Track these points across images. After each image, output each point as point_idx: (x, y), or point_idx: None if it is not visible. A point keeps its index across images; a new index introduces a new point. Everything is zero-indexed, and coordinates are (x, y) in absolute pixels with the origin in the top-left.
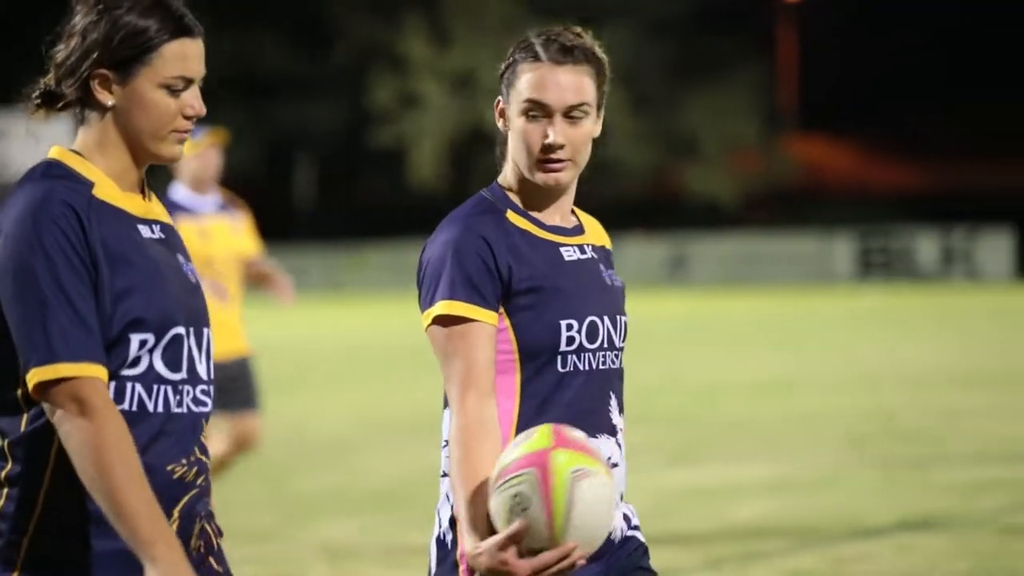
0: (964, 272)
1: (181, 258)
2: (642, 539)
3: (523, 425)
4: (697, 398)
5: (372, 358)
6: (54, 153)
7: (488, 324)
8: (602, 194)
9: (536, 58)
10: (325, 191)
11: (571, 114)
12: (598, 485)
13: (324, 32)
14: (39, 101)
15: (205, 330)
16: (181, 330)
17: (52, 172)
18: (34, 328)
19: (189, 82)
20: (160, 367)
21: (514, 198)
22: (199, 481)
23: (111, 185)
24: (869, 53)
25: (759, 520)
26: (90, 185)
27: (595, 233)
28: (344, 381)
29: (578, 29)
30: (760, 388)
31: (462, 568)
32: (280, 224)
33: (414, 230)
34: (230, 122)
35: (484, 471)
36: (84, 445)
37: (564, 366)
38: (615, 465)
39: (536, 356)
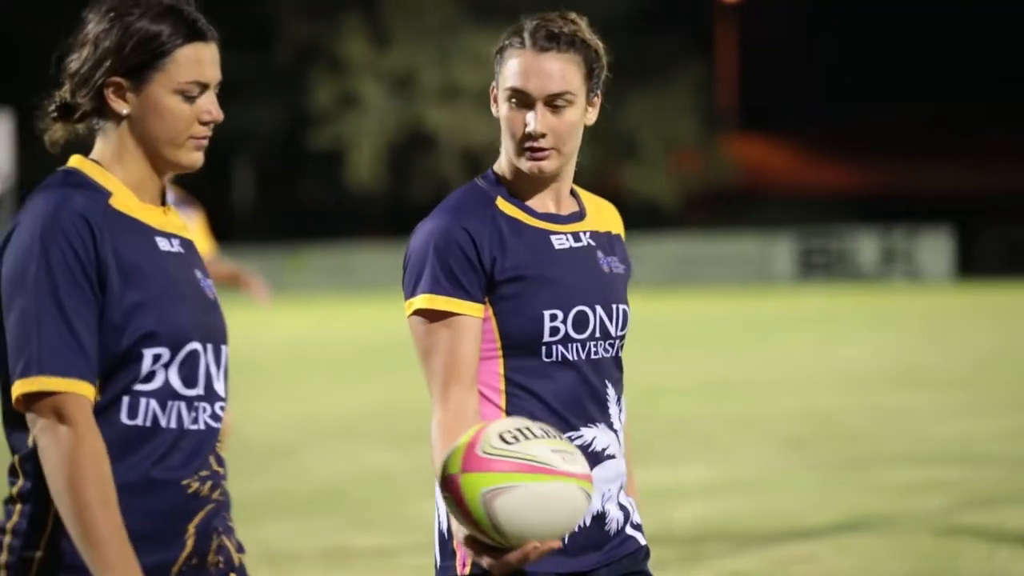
0: (904, 272)
1: (199, 273)
2: (643, 541)
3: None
4: (637, 399)
5: (311, 360)
6: (73, 162)
7: (473, 317)
8: None
9: (522, 44)
10: (264, 193)
11: (554, 103)
12: (518, 498)
13: (262, 33)
14: (56, 115)
15: (223, 347)
16: (197, 346)
17: (69, 181)
18: (24, 339)
19: (204, 87)
20: (176, 383)
21: (506, 184)
22: (215, 495)
23: (129, 195)
24: (809, 54)
25: (700, 521)
26: (107, 195)
27: (600, 219)
28: (283, 383)
29: (573, 15)
30: (700, 389)
31: (459, 554)
32: (219, 226)
33: (353, 232)
34: None
35: None
36: (59, 461)
37: (549, 356)
38: (611, 457)
39: (519, 346)
